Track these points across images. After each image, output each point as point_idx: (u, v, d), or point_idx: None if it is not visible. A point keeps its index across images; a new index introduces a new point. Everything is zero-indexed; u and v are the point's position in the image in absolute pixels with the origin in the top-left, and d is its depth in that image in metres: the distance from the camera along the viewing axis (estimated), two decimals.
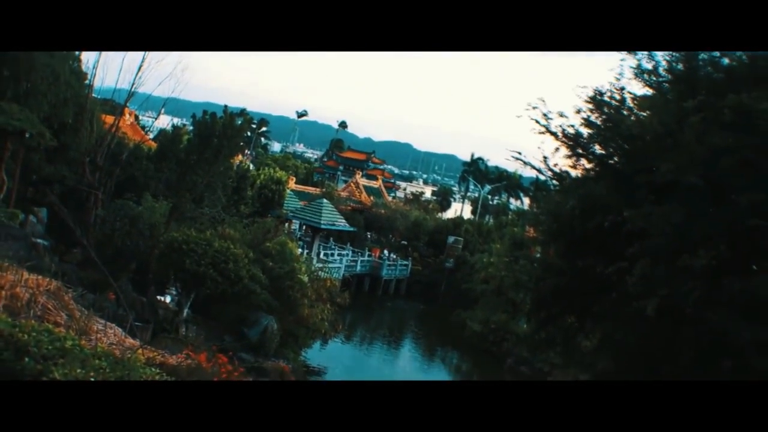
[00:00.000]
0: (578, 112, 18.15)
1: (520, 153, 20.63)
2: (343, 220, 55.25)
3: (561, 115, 18.68)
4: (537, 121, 18.49)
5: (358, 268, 54.36)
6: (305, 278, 29.50)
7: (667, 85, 17.16)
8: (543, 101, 18.43)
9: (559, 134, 18.45)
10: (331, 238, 56.81)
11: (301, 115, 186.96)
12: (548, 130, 18.54)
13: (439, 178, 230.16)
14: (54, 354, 6.56)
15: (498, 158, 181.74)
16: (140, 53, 29.94)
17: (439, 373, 39.88)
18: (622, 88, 18.00)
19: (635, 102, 17.77)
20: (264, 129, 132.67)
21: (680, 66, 16.16)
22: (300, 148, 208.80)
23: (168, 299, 25.80)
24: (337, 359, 35.42)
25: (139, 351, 9.36)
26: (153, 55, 29.96)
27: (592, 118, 17.88)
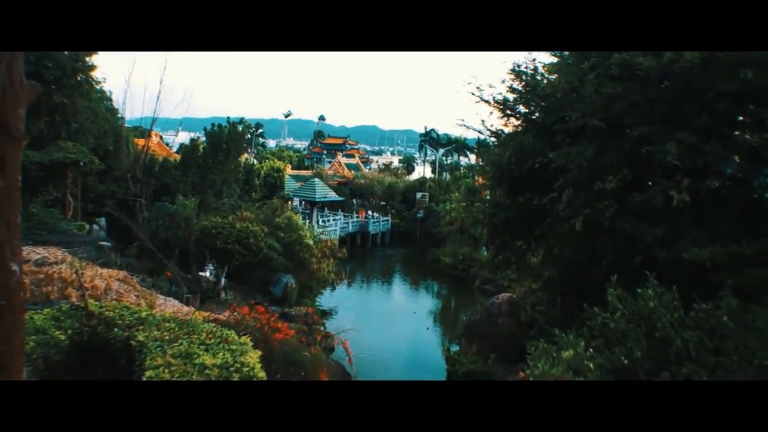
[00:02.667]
0: (503, 82, 18.36)
1: (463, 120, 20.89)
2: (333, 193, 55.23)
3: (490, 86, 18.87)
4: (473, 93, 18.71)
5: (350, 228, 54.40)
6: (311, 242, 29.60)
7: (567, 52, 17.37)
8: (475, 77, 18.64)
9: (491, 101, 18.66)
10: (326, 208, 56.66)
11: (287, 115, 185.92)
12: (482, 99, 18.75)
13: (402, 149, 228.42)
14: (135, 323, 6.76)
15: (446, 127, 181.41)
16: (157, 86, 29.96)
17: (425, 298, 40.29)
18: (534, 59, 18.22)
19: (545, 68, 17.99)
20: (260, 131, 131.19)
21: None
22: (290, 141, 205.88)
23: (207, 273, 25.84)
24: (344, 300, 35.66)
25: (196, 313, 9.58)
26: (166, 86, 30.12)
27: (515, 85, 18.10)
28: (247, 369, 5.57)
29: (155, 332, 6.33)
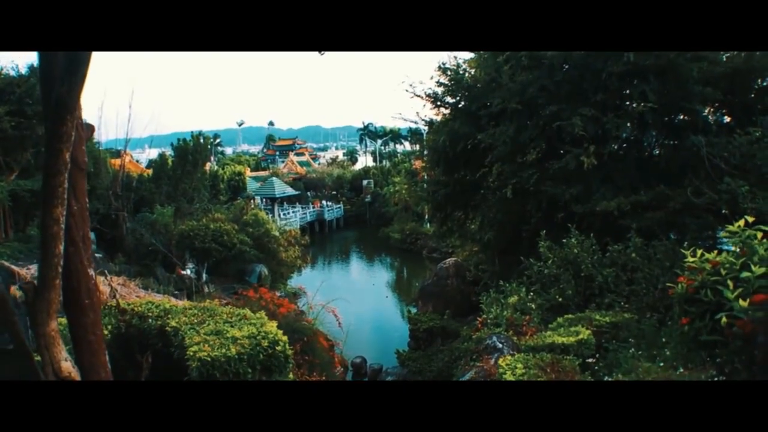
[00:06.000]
0: (431, 78, 18.95)
1: (400, 113, 21.52)
2: (290, 188, 55.03)
3: (421, 82, 19.43)
4: (407, 90, 19.25)
5: (309, 217, 54.38)
6: (276, 233, 29.67)
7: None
8: (407, 76, 19.17)
9: (423, 95, 19.21)
10: (285, 203, 56.43)
11: (240, 124, 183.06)
12: (416, 94, 19.29)
13: (345, 143, 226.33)
14: (162, 314, 7.02)
15: (382, 120, 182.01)
16: (125, 112, 29.48)
17: (380, 271, 40.77)
18: (456, 56, 18.86)
19: (467, 63, 18.64)
20: (218, 140, 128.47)
21: None
22: (245, 147, 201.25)
23: (189, 272, 25.69)
24: (310, 281, 35.65)
25: (208, 301, 9.84)
26: (136, 110, 29.61)
27: (442, 80, 18.69)
28: (272, 335, 5.99)
29: (183, 318, 6.63)
